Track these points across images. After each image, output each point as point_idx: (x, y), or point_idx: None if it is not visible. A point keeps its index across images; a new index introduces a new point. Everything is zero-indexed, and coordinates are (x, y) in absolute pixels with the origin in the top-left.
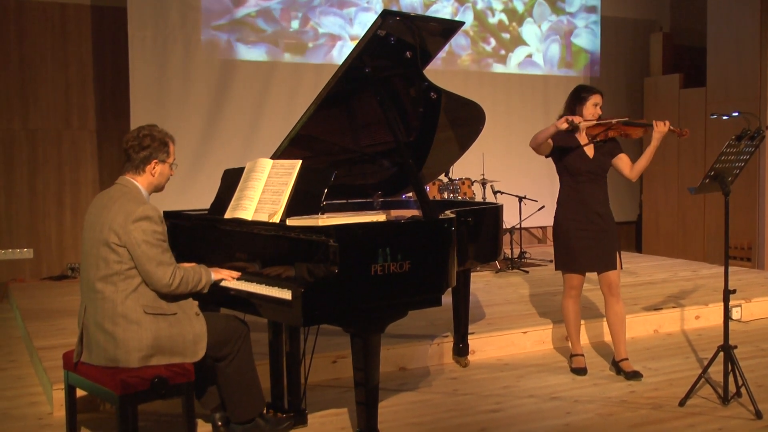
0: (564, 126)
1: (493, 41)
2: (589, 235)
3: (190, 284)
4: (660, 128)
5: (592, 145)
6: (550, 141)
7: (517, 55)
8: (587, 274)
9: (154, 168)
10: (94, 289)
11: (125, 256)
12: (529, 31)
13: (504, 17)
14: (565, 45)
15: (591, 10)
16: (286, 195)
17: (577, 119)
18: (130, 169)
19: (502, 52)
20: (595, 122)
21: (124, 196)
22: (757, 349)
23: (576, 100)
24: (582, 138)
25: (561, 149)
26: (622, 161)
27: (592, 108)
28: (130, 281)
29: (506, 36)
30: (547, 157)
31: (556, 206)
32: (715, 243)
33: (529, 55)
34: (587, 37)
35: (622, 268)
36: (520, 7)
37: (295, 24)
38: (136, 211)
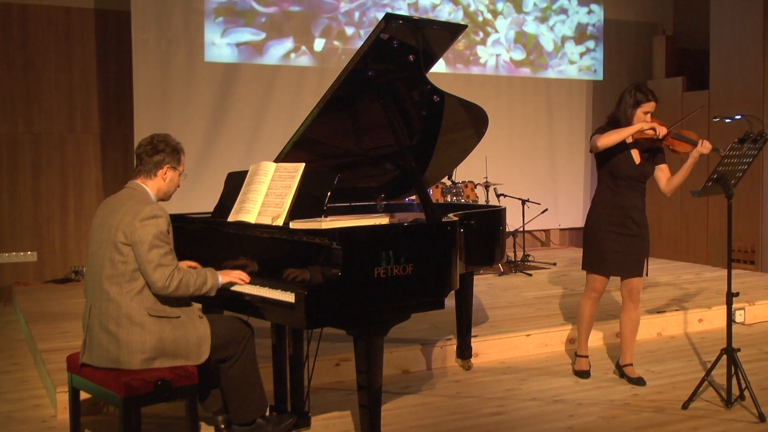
0: (645, 136)
1: (481, 33)
2: (621, 240)
3: (191, 287)
4: (701, 148)
5: (638, 151)
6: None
7: (491, 39)
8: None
9: (165, 173)
10: (99, 290)
11: (130, 256)
12: (500, 23)
13: (489, 16)
14: (519, 31)
15: (558, 11)
16: (290, 198)
17: (659, 129)
18: (142, 174)
19: (487, 40)
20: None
21: (132, 198)
22: (760, 352)
23: (630, 103)
24: (629, 141)
25: (608, 151)
26: (662, 172)
27: (642, 116)
28: (134, 283)
29: (490, 29)
30: (591, 152)
31: (590, 206)
32: (718, 246)
33: (497, 39)
34: (534, 25)
35: (647, 275)
36: (499, 7)
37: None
38: (144, 210)
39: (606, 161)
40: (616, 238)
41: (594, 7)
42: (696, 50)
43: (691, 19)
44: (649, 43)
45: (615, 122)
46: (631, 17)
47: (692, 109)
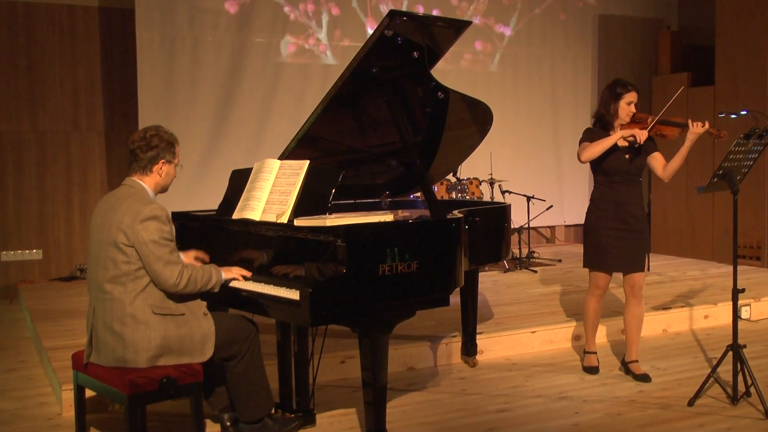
0: (625, 145)
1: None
2: (620, 235)
3: (198, 283)
4: (695, 129)
5: (628, 146)
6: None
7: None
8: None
9: (161, 168)
10: (102, 290)
11: (133, 256)
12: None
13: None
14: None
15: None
16: (294, 195)
17: (639, 136)
18: (137, 170)
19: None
20: (639, 126)
21: (131, 197)
22: (766, 348)
23: (611, 96)
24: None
25: None
26: (656, 160)
27: (626, 107)
28: (138, 281)
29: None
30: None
31: (589, 203)
32: (724, 242)
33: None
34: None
35: (649, 270)
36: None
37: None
38: (144, 210)
39: (597, 161)
40: (616, 234)
41: None
42: (701, 46)
43: (696, 15)
44: (654, 39)
45: (601, 120)
46: (637, 13)
47: (673, 96)
